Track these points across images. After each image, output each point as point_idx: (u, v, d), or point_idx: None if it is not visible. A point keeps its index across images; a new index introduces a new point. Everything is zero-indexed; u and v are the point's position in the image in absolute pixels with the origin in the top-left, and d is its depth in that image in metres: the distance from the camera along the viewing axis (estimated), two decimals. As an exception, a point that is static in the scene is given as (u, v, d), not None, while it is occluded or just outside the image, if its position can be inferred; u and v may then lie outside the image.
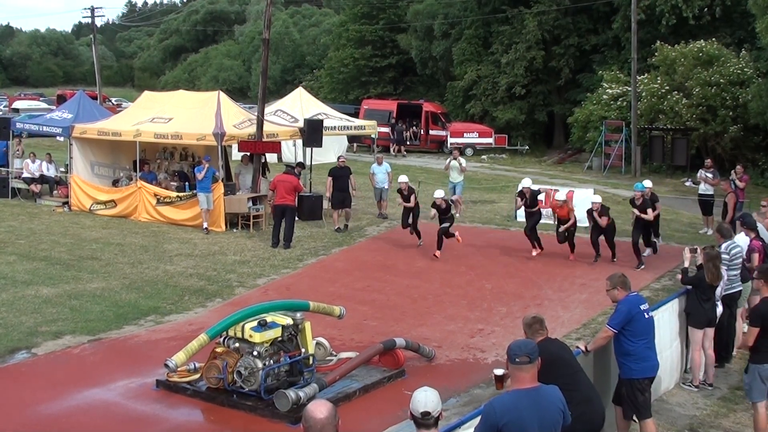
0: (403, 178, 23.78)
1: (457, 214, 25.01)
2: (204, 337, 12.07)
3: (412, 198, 23.27)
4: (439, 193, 22.28)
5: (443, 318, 16.80)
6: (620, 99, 43.47)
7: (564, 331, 15.45)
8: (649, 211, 21.31)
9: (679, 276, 13.16)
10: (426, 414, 6.12)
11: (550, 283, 19.55)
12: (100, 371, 13.74)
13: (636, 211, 21.37)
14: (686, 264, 12.92)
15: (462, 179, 28.19)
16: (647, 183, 22.52)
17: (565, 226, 21.79)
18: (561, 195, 23.69)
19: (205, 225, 24.91)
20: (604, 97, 44.09)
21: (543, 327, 8.66)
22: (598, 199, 22.30)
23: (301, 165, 27.47)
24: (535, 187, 23.34)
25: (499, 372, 8.19)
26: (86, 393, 12.85)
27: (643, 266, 20.98)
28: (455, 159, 27.90)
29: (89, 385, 13.12)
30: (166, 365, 11.95)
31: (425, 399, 6.19)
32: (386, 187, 27.42)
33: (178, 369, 12.38)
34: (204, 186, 24.72)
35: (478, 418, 6.93)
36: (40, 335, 15.25)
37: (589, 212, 21.60)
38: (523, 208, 23.13)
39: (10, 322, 15.93)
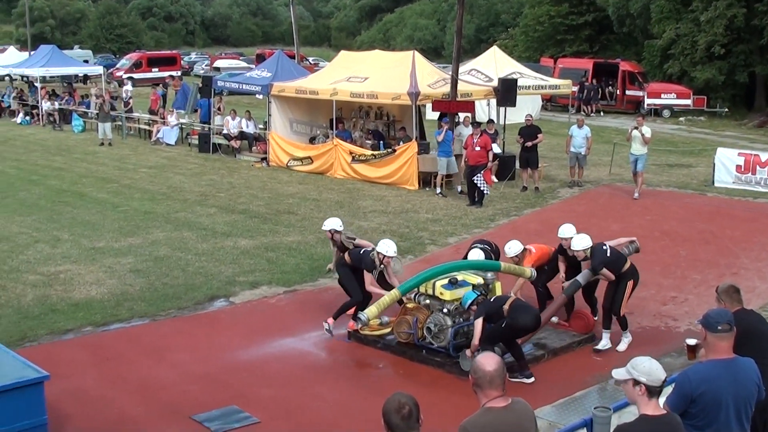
0: None
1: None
2: (396, 293, 12.22)
3: None
4: (583, 242, 13.08)
5: (635, 283, 16.47)
6: (829, 60, 41.15)
7: (760, 302, 14.88)
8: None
9: None
10: (665, 381, 5.97)
11: (747, 251, 18.83)
12: (294, 321, 14.20)
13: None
14: None
15: (645, 152, 24.18)
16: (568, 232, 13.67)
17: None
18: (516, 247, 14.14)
19: (438, 190, 24.72)
20: (811, 57, 41.83)
21: (740, 297, 8.38)
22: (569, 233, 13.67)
23: (491, 121, 27.26)
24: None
25: (691, 342, 7.97)
26: (281, 341, 13.32)
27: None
28: (637, 128, 24.27)
29: (284, 335, 13.59)
30: (359, 318, 12.17)
31: (659, 366, 5.95)
32: (583, 152, 25.59)
33: (370, 322, 12.61)
34: (444, 150, 24.46)
35: (671, 387, 6.78)
36: (238, 285, 15.88)
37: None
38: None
39: (210, 271, 16.61)
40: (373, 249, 13.37)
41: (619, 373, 6.06)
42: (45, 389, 9.25)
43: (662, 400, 6.21)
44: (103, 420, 10.33)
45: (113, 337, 13.44)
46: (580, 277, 13.00)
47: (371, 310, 12.03)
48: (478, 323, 11.63)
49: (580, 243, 12.97)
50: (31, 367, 9.37)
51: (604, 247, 12.84)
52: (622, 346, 12.91)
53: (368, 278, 13.33)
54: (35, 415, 9.10)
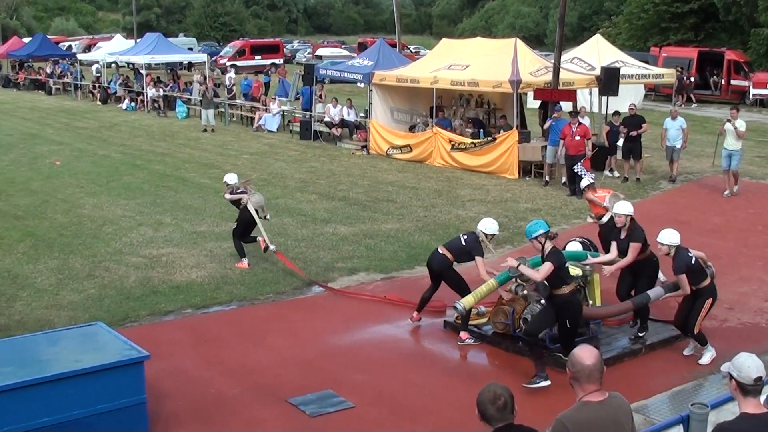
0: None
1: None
2: (493, 283, 12.15)
3: None
4: (671, 238, 11.85)
5: (737, 279, 16.07)
6: None
7: None
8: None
9: None
10: (759, 379, 5.77)
11: None
12: (390, 308, 14.21)
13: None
14: None
15: (740, 147, 22.73)
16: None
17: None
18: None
19: (547, 178, 24.56)
20: None
21: None
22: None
23: (617, 113, 26.56)
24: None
25: None
26: (377, 328, 13.36)
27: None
28: (730, 121, 22.62)
29: (380, 321, 13.64)
30: (455, 308, 12.13)
31: (756, 364, 5.72)
32: (678, 146, 24.35)
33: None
34: (553, 138, 24.16)
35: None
36: (336, 270, 15.99)
37: None
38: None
39: (309, 257, 16.76)
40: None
41: (724, 366, 5.95)
42: (145, 368, 9.44)
43: (764, 398, 6.07)
44: (201, 400, 10.51)
45: (212, 320, 13.66)
46: (652, 293, 12.28)
47: (468, 300, 11.99)
48: (548, 266, 10.85)
49: (668, 237, 11.90)
50: (133, 347, 9.57)
51: (690, 254, 11.75)
52: (704, 360, 11.87)
53: (481, 264, 12.89)
54: (135, 393, 9.30)
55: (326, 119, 32.96)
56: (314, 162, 28.16)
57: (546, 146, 24.66)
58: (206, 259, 16.69)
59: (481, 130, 27.78)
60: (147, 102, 44.40)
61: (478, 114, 29.36)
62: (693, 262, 11.61)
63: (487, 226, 13.04)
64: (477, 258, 12.93)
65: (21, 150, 31.06)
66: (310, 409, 10.40)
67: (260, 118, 36.72)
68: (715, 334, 12.80)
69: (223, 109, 39.64)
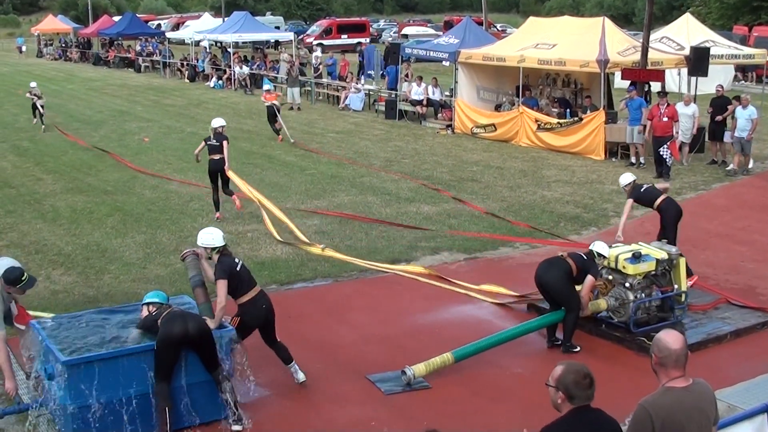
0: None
1: None
2: (448, 356, 11.07)
3: None
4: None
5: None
6: None
7: None
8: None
9: None
10: None
11: None
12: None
13: None
14: None
15: None
16: None
17: None
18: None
19: (632, 159, 24.23)
20: None
21: None
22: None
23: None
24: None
25: None
26: (458, 308, 13.33)
27: None
28: None
29: (461, 301, 13.59)
30: (404, 372, 10.77)
31: None
32: (746, 137, 22.92)
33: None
34: (634, 117, 23.90)
35: None
36: (419, 249, 15.98)
37: None
38: None
39: (392, 235, 16.80)
40: None
41: None
42: (228, 343, 9.63)
43: None
44: (282, 373, 10.59)
45: (296, 296, 13.78)
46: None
47: (419, 368, 10.82)
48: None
49: None
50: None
51: (237, 259, 10.46)
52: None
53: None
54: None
55: (412, 98, 32.91)
56: (399, 141, 28.19)
57: (634, 127, 24.37)
58: (291, 235, 16.80)
59: (568, 110, 27.52)
60: (234, 80, 44.87)
61: (564, 94, 29.07)
62: (239, 268, 10.27)
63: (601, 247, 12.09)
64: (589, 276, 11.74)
65: (111, 126, 31.67)
66: (386, 386, 10.47)
67: (346, 97, 36.86)
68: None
69: (309, 88, 39.89)
